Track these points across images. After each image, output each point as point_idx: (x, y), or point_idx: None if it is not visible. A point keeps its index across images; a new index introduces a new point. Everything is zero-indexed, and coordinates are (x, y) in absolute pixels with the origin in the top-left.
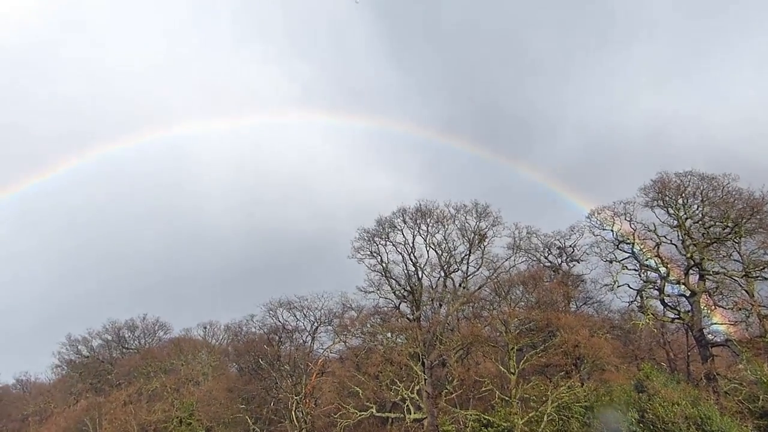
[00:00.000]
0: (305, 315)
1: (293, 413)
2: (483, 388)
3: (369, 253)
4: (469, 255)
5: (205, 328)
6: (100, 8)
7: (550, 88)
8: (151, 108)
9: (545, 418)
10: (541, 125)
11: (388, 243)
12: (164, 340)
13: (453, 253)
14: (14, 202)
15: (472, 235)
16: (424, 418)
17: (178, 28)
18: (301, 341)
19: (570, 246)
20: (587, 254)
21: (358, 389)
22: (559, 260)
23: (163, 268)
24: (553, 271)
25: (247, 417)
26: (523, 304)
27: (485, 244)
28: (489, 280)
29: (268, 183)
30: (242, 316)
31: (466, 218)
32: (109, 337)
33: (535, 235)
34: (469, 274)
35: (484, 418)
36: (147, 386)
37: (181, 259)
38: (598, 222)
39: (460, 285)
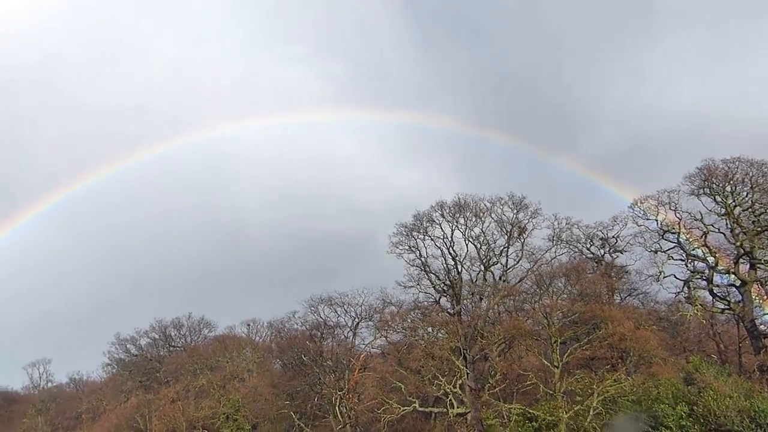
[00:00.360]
0: (346, 311)
1: (337, 408)
2: (526, 382)
3: (407, 247)
4: (508, 248)
5: (248, 325)
6: (141, 12)
7: (589, 77)
8: (188, 109)
9: (591, 412)
10: (579, 115)
11: (426, 237)
12: (209, 338)
13: (492, 246)
14: (62, 205)
15: (510, 227)
16: (468, 413)
17: (214, 30)
18: (343, 337)
19: (612, 237)
20: (631, 245)
21: (400, 384)
22: (602, 251)
23: (205, 266)
24: (596, 262)
25: (291, 413)
26: (565, 296)
27: (525, 236)
28: (530, 272)
29: (304, 182)
30: (284, 313)
31: (503, 211)
32: (156, 336)
33: (576, 226)
34: (508, 267)
35: (529, 412)
36: (194, 383)
37: (222, 257)
38: (642, 212)
39: (500, 278)
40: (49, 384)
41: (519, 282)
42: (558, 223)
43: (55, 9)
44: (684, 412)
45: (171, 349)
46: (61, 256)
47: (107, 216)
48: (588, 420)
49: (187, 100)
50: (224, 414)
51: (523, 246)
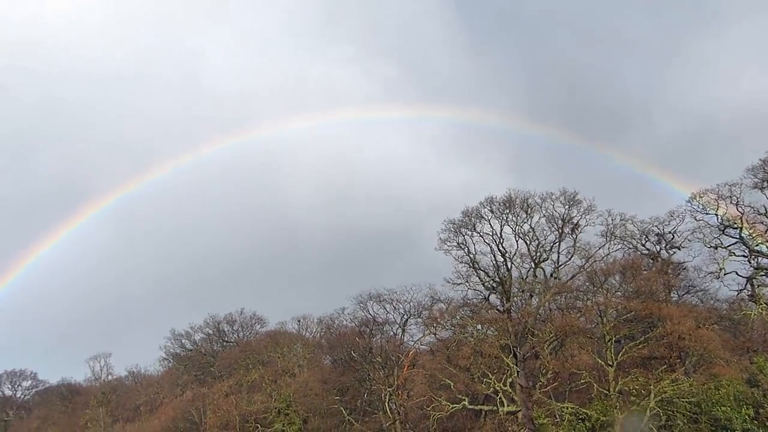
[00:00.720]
0: (395, 307)
1: (386, 405)
2: (579, 381)
3: (456, 244)
4: (560, 244)
5: (299, 321)
6: (195, 20)
7: (644, 70)
8: (239, 111)
9: (647, 413)
10: (635, 108)
11: (475, 234)
12: (261, 334)
13: (542, 242)
14: (119, 206)
15: (562, 223)
16: (518, 411)
17: (266, 34)
18: (392, 333)
19: (669, 232)
20: (689, 240)
21: (449, 381)
22: (658, 247)
23: (257, 263)
24: (652, 259)
25: (341, 408)
26: (620, 294)
27: (577, 232)
28: (582, 269)
29: (354, 180)
30: (333, 310)
31: (554, 206)
32: (210, 331)
33: (630, 221)
34: (560, 263)
35: (582, 412)
36: (246, 378)
37: (273, 254)
38: (701, 206)
39: (551, 275)
40: (110, 377)
41: (571, 279)
42: (612, 219)
43: (111, 18)
44: (749, 415)
45: (224, 344)
46: (119, 255)
47: (162, 215)
48: (644, 421)
49: (239, 102)
50: (276, 408)
51: (575, 242)
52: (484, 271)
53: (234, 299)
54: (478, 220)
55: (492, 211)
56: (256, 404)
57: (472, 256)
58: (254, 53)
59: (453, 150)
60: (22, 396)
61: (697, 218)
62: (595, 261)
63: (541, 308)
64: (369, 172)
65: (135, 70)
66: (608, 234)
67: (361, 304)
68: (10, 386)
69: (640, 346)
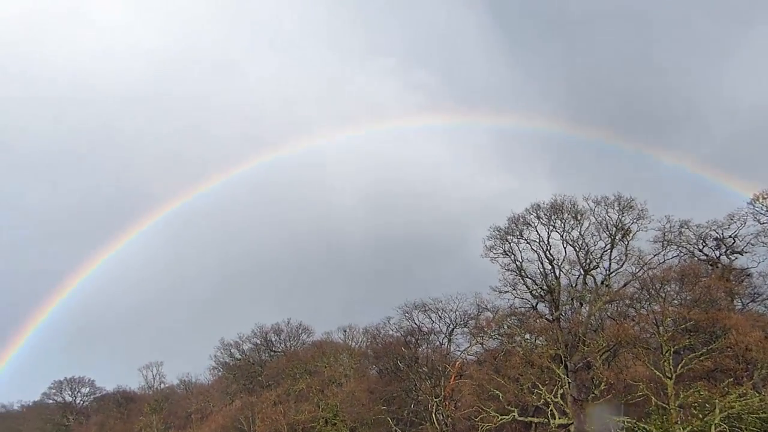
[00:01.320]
0: (440, 317)
1: (433, 415)
2: (636, 393)
3: (502, 251)
4: (611, 251)
5: (344, 331)
6: (241, 33)
7: (697, 69)
8: (284, 123)
9: (713, 429)
10: (687, 111)
11: (521, 241)
12: (307, 343)
13: (592, 249)
14: (171, 217)
15: (614, 229)
16: (570, 424)
17: (309, 47)
18: (438, 343)
19: (730, 236)
20: (752, 245)
21: (497, 392)
22: (717, 253)
23: (303, 273)
24: (711, 265)
25: (388, 418)
26: (677, 302)
27: (629, 238)
28: (635, 276)
29: (396, 190)
30: (379, 319)
31: (606, 212)
32: (258, 341)
33: (686, 226)
34: (611, 270)
35: (639, 426)
36: (294, 387)
37: (319, 265)
38: (764, 208)
39: (602, 283)
40: (162, 385)
41: (623, 287)
42: (669, 225)
43: (162, 47)
44: None
45: (272, 353)
46: (169, 267)
47: (212, 228)
48: None
49: (284, 114)
50: (323, 418)
51: (626, 248)
52: (531, 279)
53: (281, 309)
54: (524, 227)
55: (539, 218)
56: (304, 413)
57: (518, 263)
58: (296, 67)
59: (495, 157)
60: (81, 402)
61: (761, 221)
62: (649, 268)
63: (592, 317)
64: (411, 182)
65: (186, 90)
66: (663, 240)
67: (407, 314)
68: (70, 392)
69: (701, 358)
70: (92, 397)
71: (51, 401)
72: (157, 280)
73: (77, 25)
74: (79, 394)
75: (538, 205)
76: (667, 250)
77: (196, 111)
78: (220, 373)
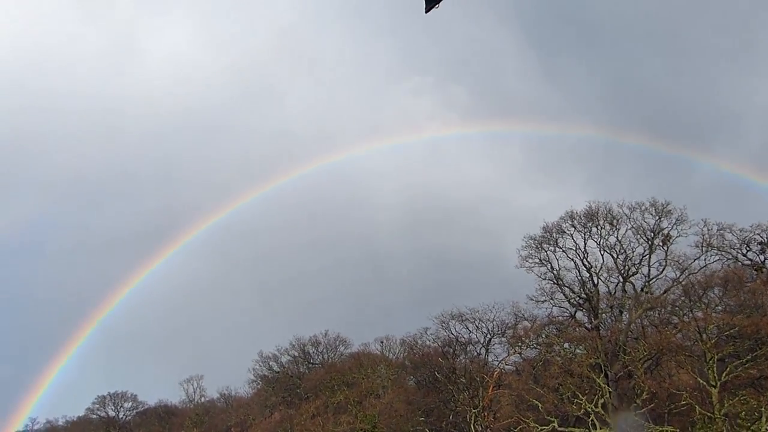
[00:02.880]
0: (477, 327)
1: (472, 426)
2: (679, 402)
3: (538, 260)
4: (650, 257)
5: (381, 342)
6: (279, 55)
7: (734, 73)
8: (323, 141)
9: None
10: (726, 114)
11: (557, 249)
12: (345, 355)
13: (630, 255)
14: (216, 230)
15: (652, 235)
16: None
17: (347, 67)
18: (475, 353)
19: None
20: None
21: (537, 402)
22: (762, 257)
23: (340, 285)
24: (756, 270)
25: (427, 429)
26: (720, 308)
27: (669, 244)
28: (677, 282)
29: (434, 203)
30: (416, 330)
31: (643, 217)
32: (296, 353)
33: (729, 230)
34: (651, 277)
35: None
36: (332, 399)
37: (356, 277)
38: None
39: (642, 289)
40: (202, 398)
41: (664, 293)
42: (709, 229)
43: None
44: None
45: (310, 365)
46: (210, 281)
47: (252, 244)
48: None
49: (323, 132)
50: (362, 430)
51: (666, 254)
52: (569, 288)
53: (319, 322)
54: (559, 235)
55: (574, 226)
56: (343, 426)
57: (555, 272)
58: (334, 88)
59: (531, 169)
60: (124, 417)
61: None
62: (690, 273)
63: (633, 325)
64: (448, 196)
65: (228, 113)
66: (704, 244)
67: (444, 324)
68: (113, 407)
69: (747, 365)
70: (135, 411)
71: (95, 416)
72: (198, 295)
73: (129, 55)
74: (122, 408)
75: (572, 213)
76: (708, 255)
77: (239, 132)
78: (258, 386)
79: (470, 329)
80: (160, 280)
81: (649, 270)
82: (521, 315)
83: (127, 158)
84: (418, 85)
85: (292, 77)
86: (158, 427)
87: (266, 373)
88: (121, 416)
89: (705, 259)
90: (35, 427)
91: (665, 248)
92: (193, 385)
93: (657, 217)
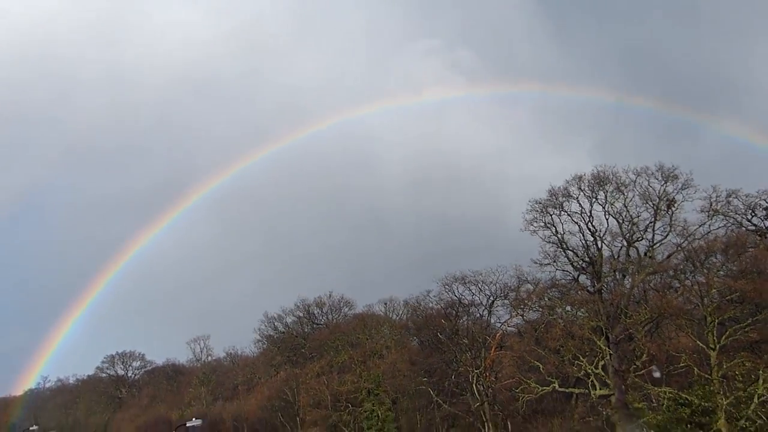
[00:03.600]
0: (480, 289)
1: (474, 386)
2: (678, 364)
3: (543, 224)
4: (655, 222)
5: (385, 304)
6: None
7: (747, 36)
8: (329, 102)
9: (756, 399)
10: (733, 78)
11: (562, 213)
12: (349, 316)
13: (636, 220)
14: (213, 195)
15: (657, 200)
16: (611, 395)
17: (355, 29)
18: (478, 315)
19: None
20: None
21: (538, 364)
22: (767, 223)
23: (344, 247)
24: (759, 235)
25: (429, 389)
26: (722, 273)
27: (673, 209)
28: (680, 248)
29: (438, 167)
30: (419, 292)
31: (649, 183)
32: (301, 314)
33: (735, 196)
34: (655, 242)
35: (681, 397)
36: (336, 359)
37: (359, 238)
38: None
39: (645, 254)
40: (209, 358)
41: (667, 258)
42: (716, 195)
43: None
44: None
45: (314, 326)
46: (215, 242)
47: (256, 205)
48: (751, 408)
49: (329, 91)
50: (366, 389)
51: (671, 220)
52: (572, 251)
53: (323, 283)
54: (565, 199)
55: (580, 189)
56: (347, 384)
57: (560, 236)
58: (340, 49)
59: (539, 134)
60: (133, 375)
61: None
62: (694, 239)
63: (635, 288)
64: (453, 158)
65: (233, 71)
66: (709, 210)
67: (447, 286)
68: (122, 366)
69: (746, 329)
70: (143, 370)
71: (104, 375)
72: (203, 256)
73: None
74: (130, 367)
75: (580, 177)
76: (713, 221)
77: (243, 89)
78: (264, 346)
79: (473, 291)
80: (167, 242)
81: (653, 235)
82: (524, 278)
83: (135, 124)
84: (426, 47)
85: (298, 39)
86: (166, 385)
87: (271, 333)
88: (129, 375)
89: (709, 225)
90: (47, 385)
91: (670, 213)
92: (200, 344)
93: (663, 182)
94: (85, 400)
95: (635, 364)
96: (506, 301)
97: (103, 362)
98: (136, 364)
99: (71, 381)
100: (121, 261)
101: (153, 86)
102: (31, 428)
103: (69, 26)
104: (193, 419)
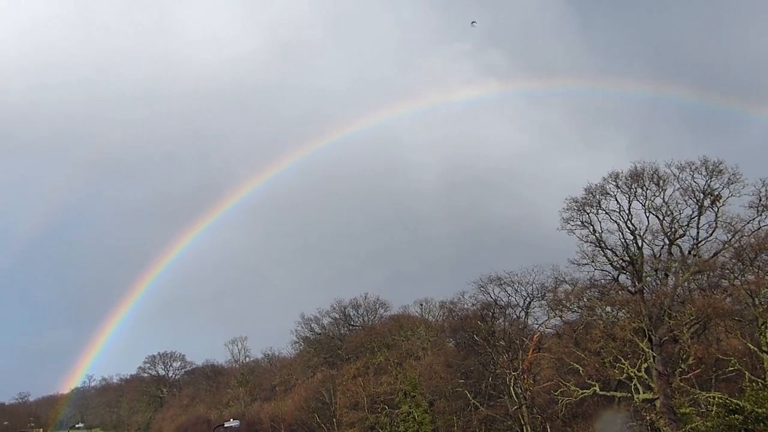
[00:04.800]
0: (516, 290)
1: (512, 389)
2: (727, 368)
3: (580, 223)
4: (699, 218)
5: (421, 305)
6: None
7: None
8: (360, 106)
9: None
10: None
11: (600, 211)
12: (385, 317)
13: (678, 217)
14: (258, 195)
15: (701, 195)
16: (656, 399)
17: (385, 33)
18: (515, 316)
19: None
20: None
21: (578, 366)
22: None
23: (377, 249)
24: None
25: (466, 391)
26: None
27: (719, 205)
28: (727, 245)
29: (473, 169)
30: (454, 293)
31: (692, 177)
32: (337, 316)
33: None
34: (700, 239)
35: (732, 402)
36: (372, 360)
37: (392, 239)
38: None
39: (689, 252)
40: (247, 359)
41: (714, 256)
42: (766, 189)
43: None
44: None
45: (350, 327)
46: (252, 246)
47: (292, 208)
48: None
49: (359, 96)
50: (402, 390)
51: (717, 216)
52: (611, 250)
53: (358, 285)
54: (603, 197)
55: (618, 186)
56: (383, 386)
57: (597, 234)
58: (373, 54)
59: (572, 133)
60: (173, 375)
61: None
62: (743, 236)
63: (679, 288)
64: (484, 159)
65: (266, 79)
66: (759, 205)
67: (482, 288)
68: (163, 366)
69: None
70: (183, 370)
71: (146, 374)
72: (241, 260)
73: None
74: (171, 367)
75: (617, 174)
76: (763, 216)
77: (275, 98)
78: (301, 347)
79: (509, 292)
80: (206, 247)
81: (698, 232)
82: (561, 278)
83: (170, 134)
84: (456, 49)
85: (329, 44)
86: (205, 385)
87: (308, 335)
88: (170, 375)
89: (759, 221)
90: (92, 384)
91: (715, 209)
92: (237, 345)
93: (708, 177)
94: (127, 399)
95: (681, 367)
96: (543, 302)
97: (144, 362)
98: (176, 364)
99: (115, 380)
100: (162, 265)
101: (186, 97)
102: (77, 425)
103: (110, 50)
104: (231, 420)
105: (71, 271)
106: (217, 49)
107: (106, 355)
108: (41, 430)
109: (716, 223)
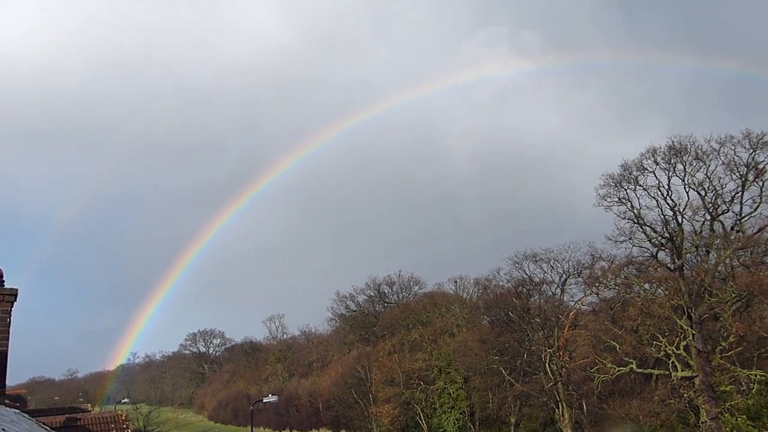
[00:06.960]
0: (552, 267)
1: (547, 366)
2: None
3: (617, 199)
4: (743, 193)
5: (455, 282)
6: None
7: None
8: (396, 89)
9: None
10: None
11: (638, 187)
12: (419, 295)
13: (720, 192)
14: (294, 174)
15: (745, 169)
16: (695, 377)
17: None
18: (550, 293)
19: None
20: None
21: (614, 343)
22: None
23: (412, 229)
24: None
25: (501, 368)
26: None
27: (763, 179)
28: None
29: (509, 151)
30: (489, 271)
31: (735, 151)
32: (371, 293)
33: None
34: (743, 215)
35: None
36: (407, 337)
37: (428, 220)
38: None
39: (732, 228)
40: (284, 335)
41: (758, 232)
42: None
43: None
44: None
45: (385, 305)
46: (288, 225)
47: (325, 186)
48: None
49: (396, 79)
50: (437, 367)
51: (761, 190)
52: (650, 227)
53: (394, 264)
54: (640, 173)
55: (656, 162)
56: (418, 362)
57: (635, 211)
58: (411, 38)
59: (611, 116)
60: (214, 352)
61: None
62: None
63: (721, 265)
64: (523, 144)
65: (303, 67)
66: None
67: (517, 264)
68: (203, 343)
69: None
70: (223, 347)
71: (187, 351)
72: (278, 240)
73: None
74: (211, 344)
75: (655, 149)
76: None
77: (311, 87)
78: (337, 324)
79: (544, 269)
80: (243, 231)
81: (741, 207)
82: (598, 255)
83: (215, 123)
84: (492, 34)
85: (366, 30)
86: (245, 361)
87: (344, 312)
88: (211, 351)
89: None
90: (136, 361)
91: (760, 183)
92: (275, 323)
93: (752, 150)
94: (170, 375)
95: (721, 345)
96: (579, 279)
97: (186, 340)
98: (216, 341)
99: (158, 357)
100: (201, 245)
101: (229, 84)
102: (123, 400)
103: (159, 44)
104: (270, 395)
105: (119, 255)
106: (259, 42)
107: (149, 334)
108: (89, 404)
109: (761, 198)
